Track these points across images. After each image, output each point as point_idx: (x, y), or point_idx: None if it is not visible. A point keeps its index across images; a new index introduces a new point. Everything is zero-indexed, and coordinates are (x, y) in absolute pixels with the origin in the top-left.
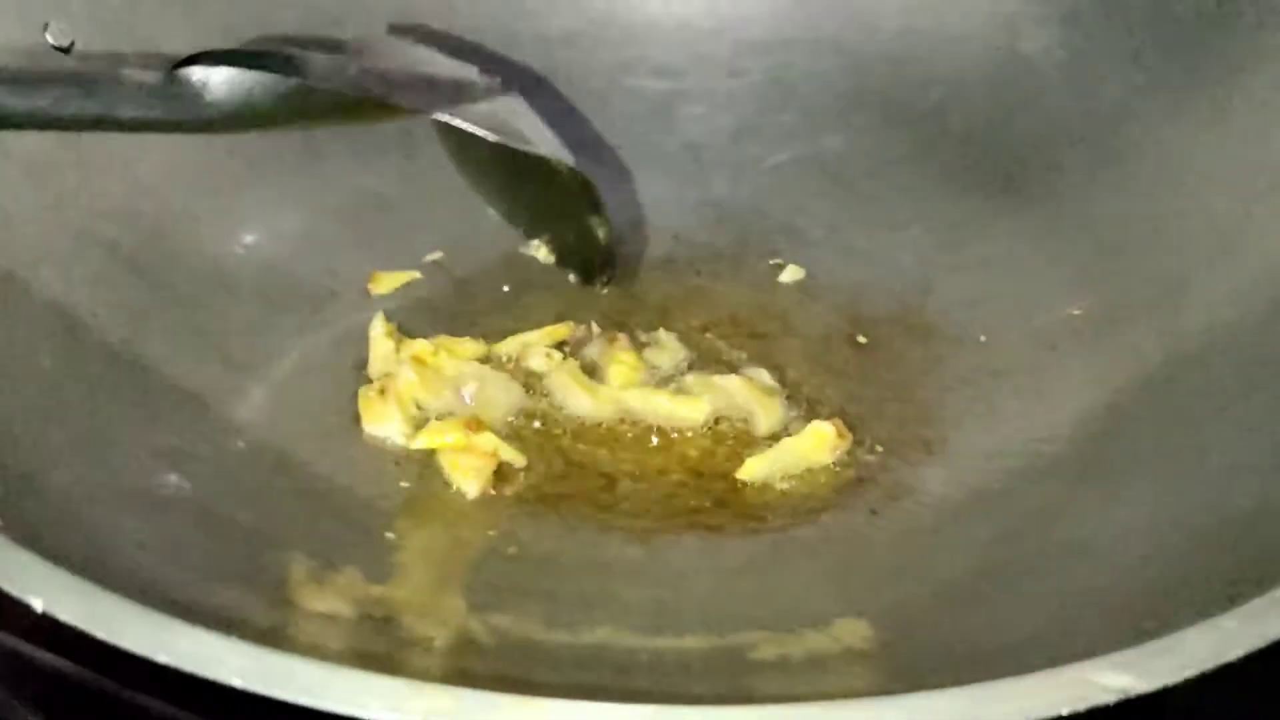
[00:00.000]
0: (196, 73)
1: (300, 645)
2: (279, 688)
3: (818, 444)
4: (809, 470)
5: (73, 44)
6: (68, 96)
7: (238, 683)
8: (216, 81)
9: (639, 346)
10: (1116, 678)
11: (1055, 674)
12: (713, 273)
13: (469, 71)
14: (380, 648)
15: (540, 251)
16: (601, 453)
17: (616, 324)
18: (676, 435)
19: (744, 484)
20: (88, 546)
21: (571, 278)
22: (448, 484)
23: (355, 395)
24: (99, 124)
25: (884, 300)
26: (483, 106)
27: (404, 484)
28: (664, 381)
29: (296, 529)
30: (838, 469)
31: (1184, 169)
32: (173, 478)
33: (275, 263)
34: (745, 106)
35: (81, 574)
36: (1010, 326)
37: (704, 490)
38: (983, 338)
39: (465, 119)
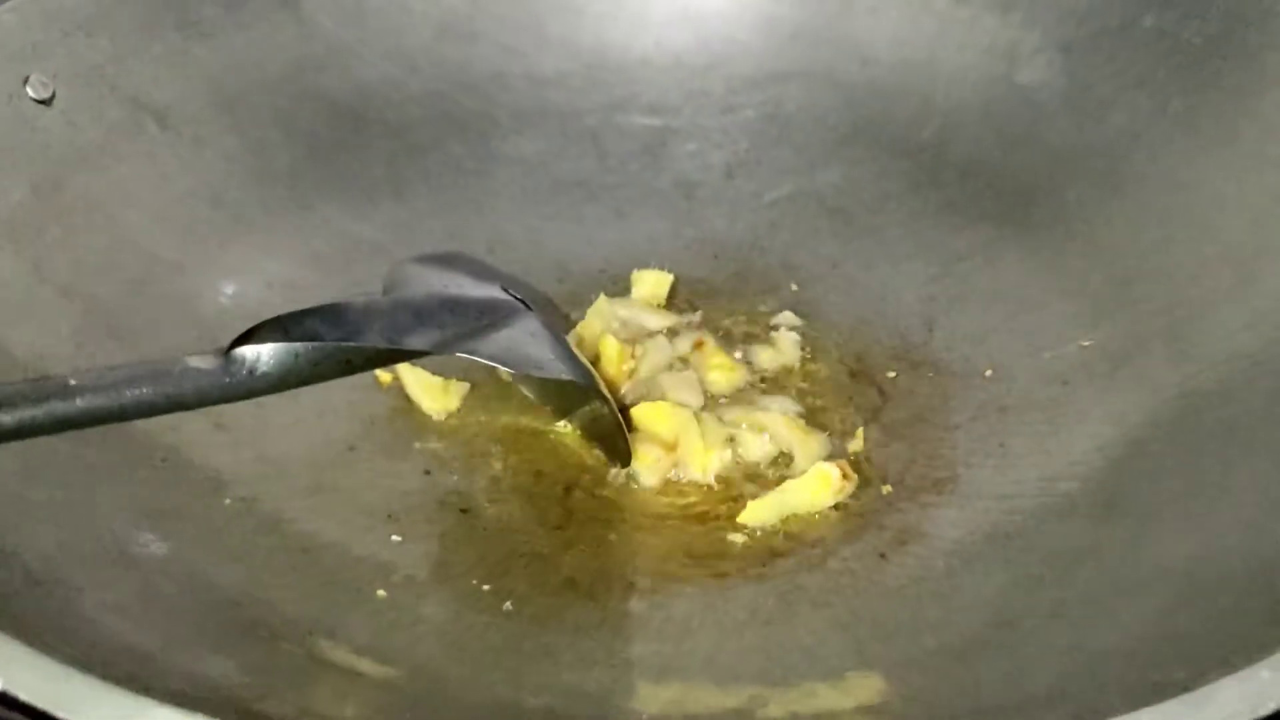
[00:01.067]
0: (249, 352)
1: (277, 717)
2: None
3: (821, 486)
4: (814, 514)
5: (54, 95)
6: (143, 394)
7: None
8: (267, 356)
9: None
10: None
11: None
12: (711, 310)
13: (494, 291)
14: (369, 715)
15: (569, 429)
16: (600, 499)
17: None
18: (675, 478)
19: (746, 529)
20: (60, 614)
21: (597, 453)
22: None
23: (347, 449)
24: (163, 410)
25: (887, 336)
26: (502, 335)
27: (396, 538)
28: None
29: (284, 590)
30: (844, 512)
31: (1194, 195)
32: (153, 537)
33: (261, 313)
34: (739, 142)
35: (48, 646)
36: (1019, 361)
37: (706, 537)
38: (988, 372)
39: (484, 354)
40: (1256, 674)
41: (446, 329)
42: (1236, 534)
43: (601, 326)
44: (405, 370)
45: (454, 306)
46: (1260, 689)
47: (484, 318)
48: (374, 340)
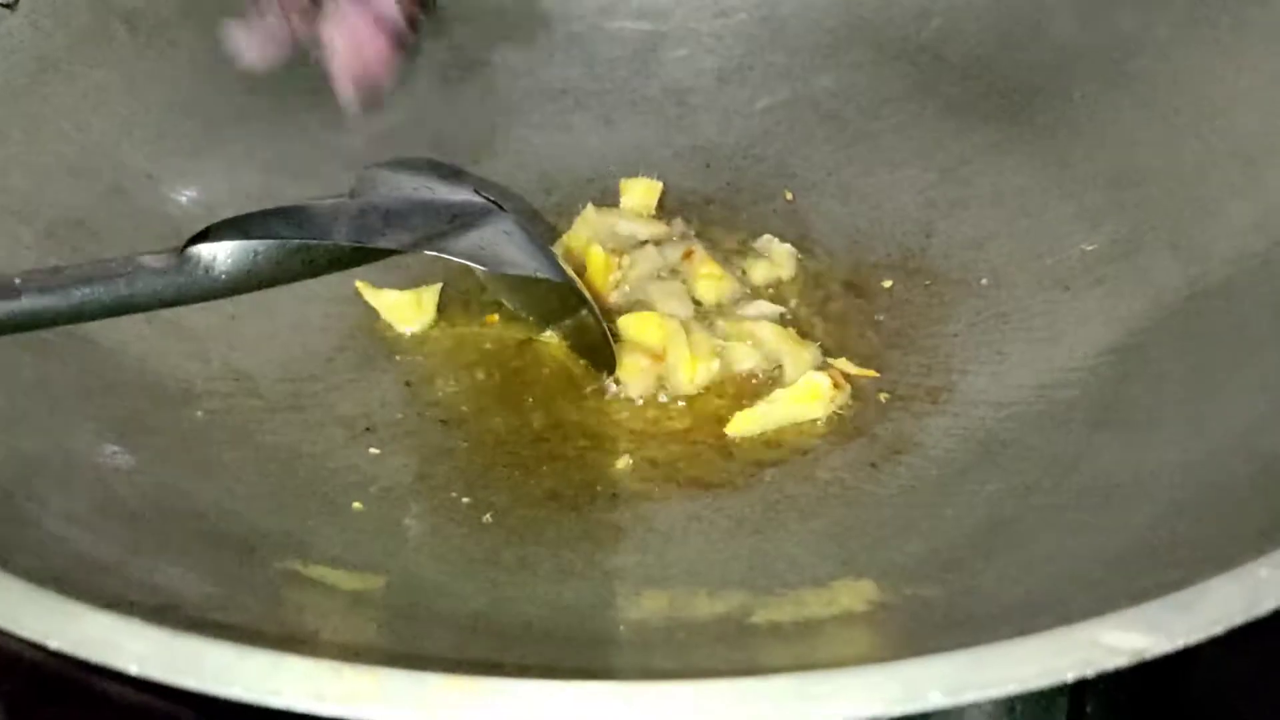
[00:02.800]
0: (205, 250)
1: (238, 625)
2: (181, 674)
3: (812, 396)
4: (805, 424)
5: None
6: (92, 293)
7: (134, 669)
8: (224, 255)
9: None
10: (1129, 638)
11: (1058, 636)
12: (704, 220)
13: (465, 194)
14: (334, 628)
15: (553, 339)
16: (585, 409)
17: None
18: (662, 388)
19: (734, 440)
20: (16, 523)
21: (582, 363)
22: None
23: (325, 361)
24: (116, 311)
25: (883, 245)
26: (474, 234)
27: (374, 451)
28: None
29: (255, 502)
30: (836, 422)
31: (1203, 90)
32: (118, 449)
33: None
34: (732, 47)
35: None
36: (1019, 266)
37: (693, 447)
38: (985, 280)
39: (456, 252)
40: (1254, 572)
41: (417, 230)
42: (1238, 436)
43: (589, 236)
44: (370, 293)
45: (425, 208)
46: (1257, 587)
47: (456, 219)
48: (339, 239)
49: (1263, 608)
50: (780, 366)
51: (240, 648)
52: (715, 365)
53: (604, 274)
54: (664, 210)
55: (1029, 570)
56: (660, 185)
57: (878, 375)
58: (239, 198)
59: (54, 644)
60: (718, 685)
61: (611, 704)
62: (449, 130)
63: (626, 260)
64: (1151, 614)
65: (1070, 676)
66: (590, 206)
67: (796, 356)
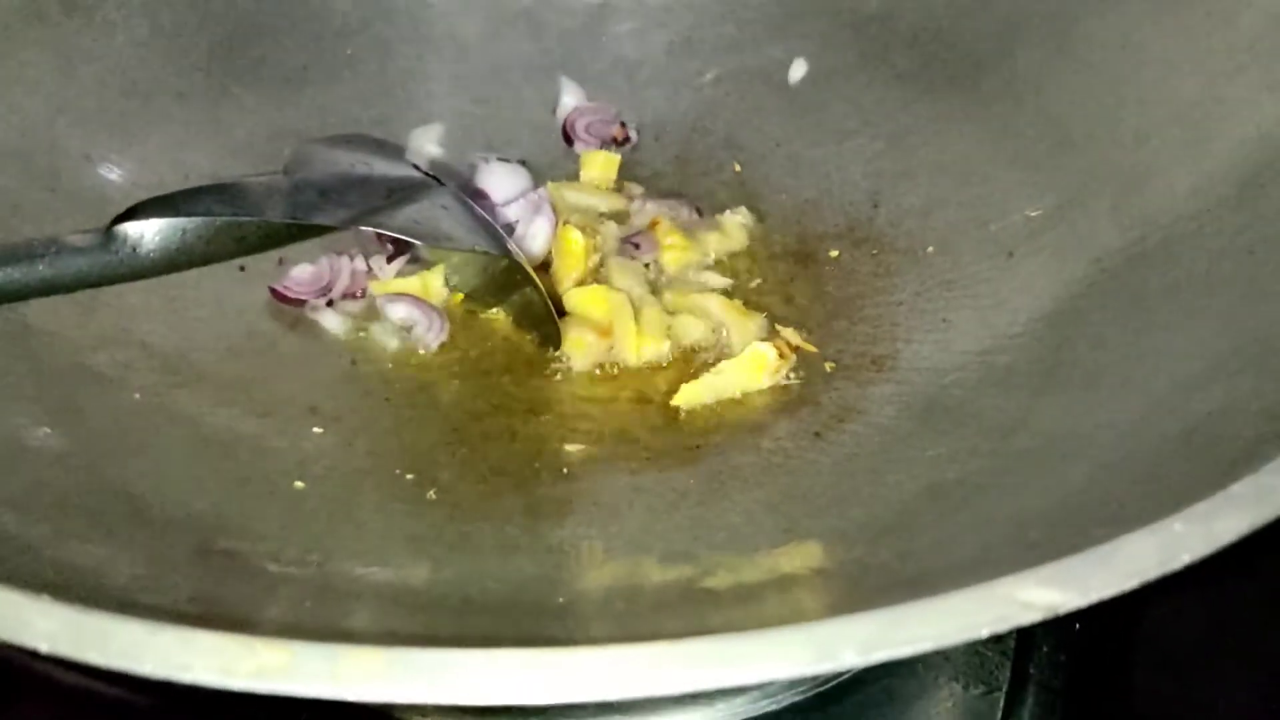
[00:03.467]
0: (132, 228)
1: (166, 607)
2: (91, 651)
3: (756, 366)
4: (751, 394)
5: None
6: (13, 274)
7: (44, 647)
8: (151, 233)
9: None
10: (1044, 594)
11: (974, 593)
12: (653, 192)
13: (404, 169)
14: (263, 605)
15: (499, 314)
16: (531, 385)
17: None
18: (609, 362)
19: (680, 411)
20: None
21: (529, 339)
22: (363, 429)
23: (269, 343)
24: (41, 291)
25: (831, 215)
26: (411, 209)
27: (318, 430)
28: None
29: (191, 483)
30: (782, 391)
31: (1145, 56)
32: (49, 432)
33: None
34: (681, 19)
35: None
36: (964, 234)
37: (639, 422)
38: (930, 249)
39: (393, 227)
40: (1169, 526)
41: (353, 206)
42: (1174, 396)
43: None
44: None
45: (361, 183)
46: (1171, 542)
47: (393, 194)
48: (272, 216)
49: (1177, 562)
50: (726, 337)
51: (150, 624)
52: (665, 346)
53: (582, 257)
54: (616, 184)
55: (967, 532)
56: (618, 157)
57: (815, 350)
58: (179, 178)
59: None
60: (631, 650)
61: (524, 670)
62: (396, 107)
63: (601, 242)
64: (1066, 569)
65: (985, 633)
66: (550, 183)
67: (742, 327)
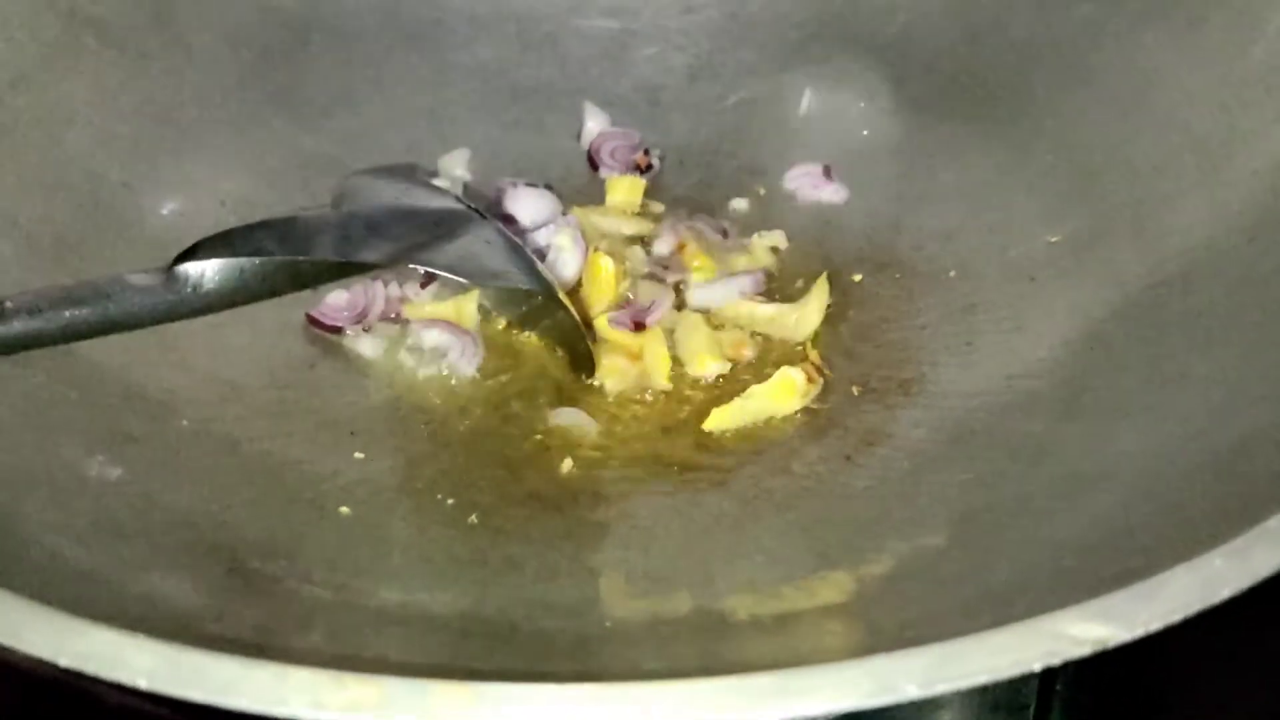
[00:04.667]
0: (193, 269)
1: (232, 636)
2: (189, 688)
3: (786, 391)
4: (780, 418)
5: None
6: (81, 314)
7: (143, 684)
8: (211, 273)
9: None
10: (1091, 629)
11: (1025, 628)
12: (674, 218)
13: (449, 201)
14: (326, 634)
15: (534, 339)
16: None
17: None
18: (643, 390)
19: (712, 435)
20: (8, 540)
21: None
22: (403, 452)
23: (308, 367)
24: (105, 330)
25: (854, 238)
26: (457, 244)
27: (359, 455)
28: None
29: (243, 510)
30: (810, 415)
31: (1161, 85)
32: (106, 461)
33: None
34: (701, 44)
35: None
36: (986, 258)
37: (672, 445)
38: (953, 273)
39: (439, 264)
40: (1210, 562)
41: (400, 240)
42: (1198, 424)
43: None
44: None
45: (407, 217)
46: (1212, 577)
47: (439, 228)
48: (324, 253)
49: (1218, 596)
50: (757, 361)
51: (245, 660)
52: (724, 363)
53: (613, 284)
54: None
55: (998, 559)
56: (644, 182)
57: (830, 376)
58: (215, 204)
59: (63, 661)
60: (700, 685)
61: (605, 706)
62: (422, 131)
63: (629, 266)
64: (1113, 605)
65: (1037, 667)
66: (575, 209)
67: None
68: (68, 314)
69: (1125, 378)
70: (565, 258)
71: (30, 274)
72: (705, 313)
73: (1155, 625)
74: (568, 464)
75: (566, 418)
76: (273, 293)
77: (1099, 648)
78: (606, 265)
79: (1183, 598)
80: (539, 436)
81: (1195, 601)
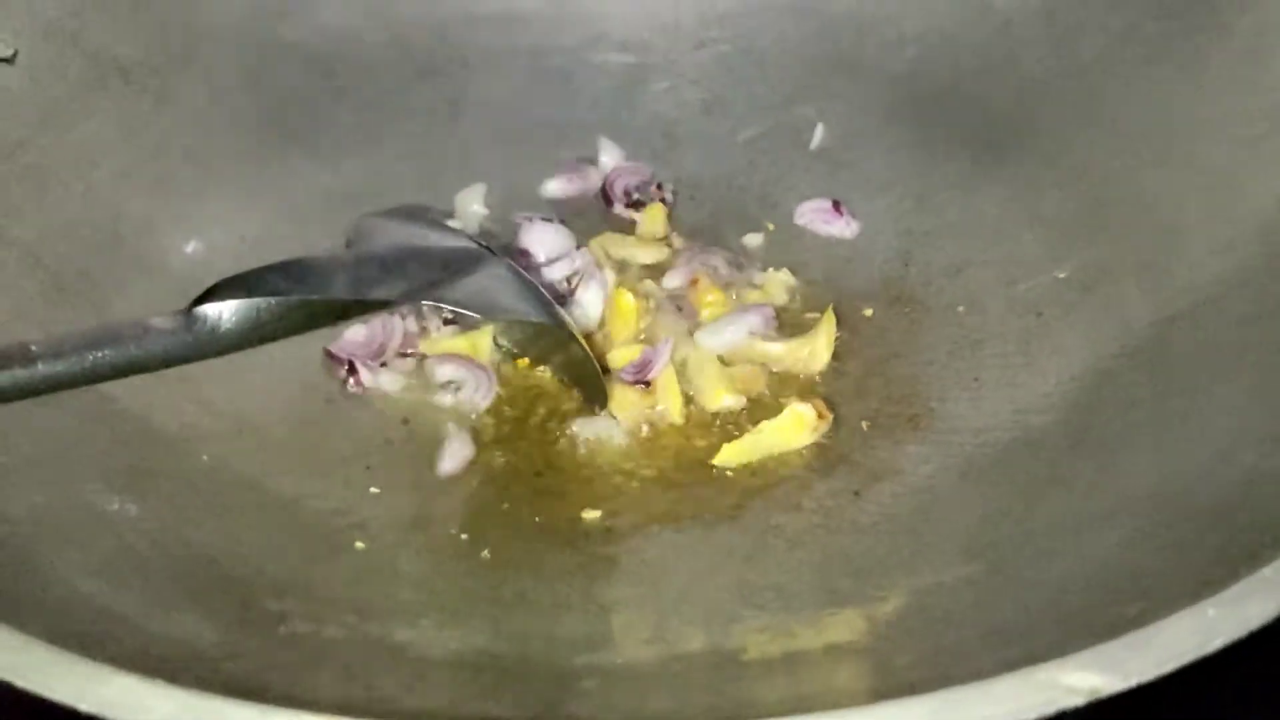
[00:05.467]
0: (211, 310)
1: (254, 674)
2: None
3: (796, 426)
4: (790, 453)
5: (16, 53)
6: (104, 356)
7: None
8: (229, 313)
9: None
10: (1086, 678)
11: (1021, 677)
12: (689, 251)
13: (460, 240)
14: (341, 671)
15: (546, 374)
16: (577, 443)
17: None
18: (655, 424)
19: (722, 470)
20: (31, 580)
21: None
22: (417, 487)
23: (324, 402)
24: (128, 371)
25: (864, 273)
26: (469, 281)
27: (374, 490)
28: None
29: (261, 545)
30: (820, 450)
31: (1169, 120)
32: (126, 499)
33: (235, 268)
34: (715, 79)
35: (14, 616)
36: (994, 293)
37: (683, 480)
38: (961, 308)
39: (453, 301)
40: (1203, 611)
41: (413, 279)
42: (1203, 463)
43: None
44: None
45: (419, 257)
46: (1207, 626)
47: (451, 266)
48: (339, 293)
49: (1211, 646)
50: (765, 396)
51: (263, 708)
52: (739, 396)
53: (634, 319)
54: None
55: (1004, 597)
56: (665, 208)
57: (831, 416)
58: (236, 241)
59: (84, 707)
60: None
61: None
62: (438, 166)
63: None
64: (1108, 654)
65: (1033, 715)
66: (594, 240)
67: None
68: (91, 357)
69: (1132, 414)
70: (589, 299)
71: (54, 310)
72: None
73: (1148, 675)
74: (577, 498)
75: (592, 427)
76: (289, 332)
77: (1092, 698)
78: (628, 300)
79: (1177, 647)
80: (550, 472)
81: (1189, 651)
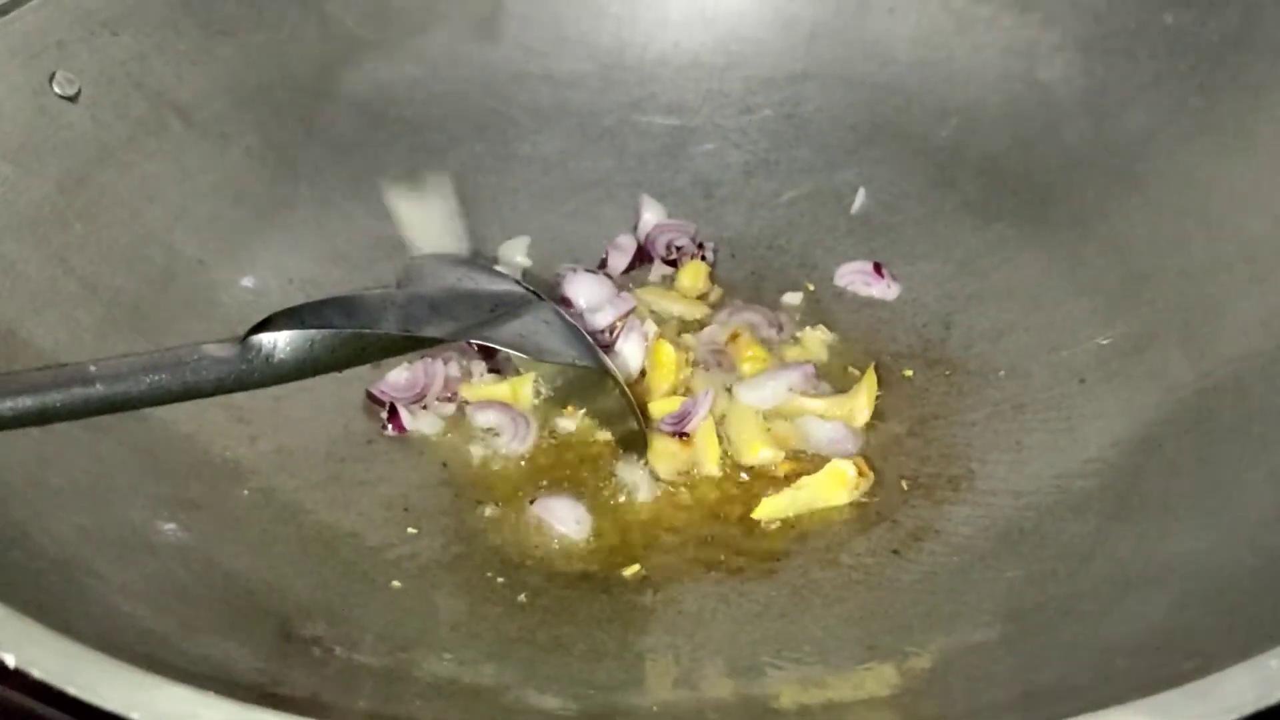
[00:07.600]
0: (265, 339)
1: (291, 698)
2: None
3: (837, 483)
4: (830, 510)
5: (79, 92)
6: (160, 380)
7: None
8: (283, 343)
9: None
10: None
11: None
12: (730, 307)
13: (508, 284)
14: (377, 702)
15: (587, 421)
16: (616, 490)
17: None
18: (693, 475)
19: (761, 525)
20: (77, 597)
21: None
22: (455, 530)
23: (365, 442)
24: (182, 396)
25: (904, 335)
26: (516, 323)
27: (412, 530)
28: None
29: (300, 579)
30: (860, 508)
31: (1212, 192)
32: (170, 526)
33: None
34: (758, 142)
35: (63, 627)
36: (1035, 358)
37: (720, 532)
38: (1002, 372)
39: (500, 340)
40: (1265, 663)
41: (461, 319)
42: (1248, 529)
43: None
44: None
45: (468, 298)
46: (1268, 677)
47: (498, 308)
48: (390, 328)
49: (1274, 697)
50: (806, 451)
51: None
52: (777, 450)
53: (675, 370)
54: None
55: (1046, 659)
56: (707, 266)
57: (872, 474)
58: (284, 282)
59: (136, 716)
60: None
61: None
62: (485, 218)
63: (690, 355)
64: (1167, 703)
65: None
66: (637, 289)
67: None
68: (147, 380)
69: (1176, 481)
70: (630, 349)
71: (105, 341)
72: None
73: None
74: (614, 547)
75: (631, 475)
76: (340, 365)
77: None
78: (669, 352)
79: (1238, 698)
80: (590, 517)
81: (1250, 702)
